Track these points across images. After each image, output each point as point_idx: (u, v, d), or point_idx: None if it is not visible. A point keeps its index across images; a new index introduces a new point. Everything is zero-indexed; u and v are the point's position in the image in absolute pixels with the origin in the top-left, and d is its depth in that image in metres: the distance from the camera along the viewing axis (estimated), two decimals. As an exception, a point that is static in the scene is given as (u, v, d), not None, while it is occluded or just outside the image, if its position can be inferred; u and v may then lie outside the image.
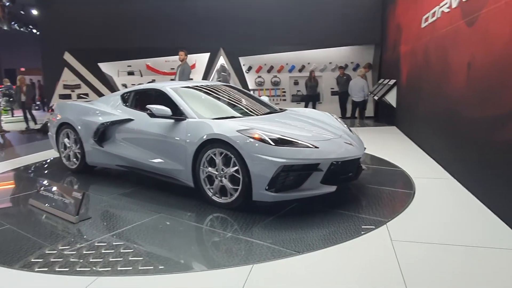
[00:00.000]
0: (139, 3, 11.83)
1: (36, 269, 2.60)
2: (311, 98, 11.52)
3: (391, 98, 8.81)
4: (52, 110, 5.57)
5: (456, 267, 2.48)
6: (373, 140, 7.00)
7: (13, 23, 17.95)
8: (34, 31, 19.64)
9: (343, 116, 11.08)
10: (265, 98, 5.19)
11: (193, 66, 11.51)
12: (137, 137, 4.47)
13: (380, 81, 10.53)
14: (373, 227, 3.13)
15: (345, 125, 4.44)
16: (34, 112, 11.99)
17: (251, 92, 5.78)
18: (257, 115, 4.41)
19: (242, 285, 2.32)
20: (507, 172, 3.17)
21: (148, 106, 4.17)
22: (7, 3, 14.87)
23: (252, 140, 3.37)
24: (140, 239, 3.09)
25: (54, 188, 3.81)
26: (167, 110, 4.04)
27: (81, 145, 5.00)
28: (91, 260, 2.70)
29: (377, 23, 11.18)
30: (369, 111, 11.37)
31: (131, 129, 4.54)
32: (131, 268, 2.58)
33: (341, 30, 11.32)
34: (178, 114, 4.10)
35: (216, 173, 3.61)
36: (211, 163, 3.66)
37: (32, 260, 2.74)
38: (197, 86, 4.87)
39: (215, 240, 3.08)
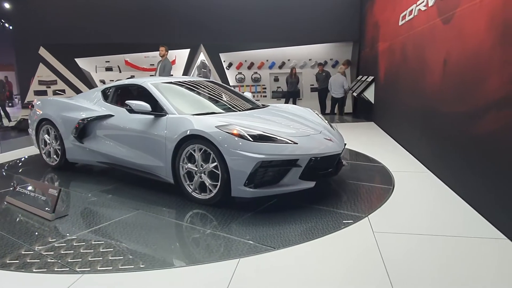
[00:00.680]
0: (117, -2, 11.63)
1: (12, 268, 2.57)
2: (291, 94, 11.62)
3: (369, 95, 8.99)
4: (32, 106, 5.44)
5: (436, 256, 2.58)
6: (352, 135, 7.13)
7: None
8: (7, 25, 19.00)
9: (323, 112, 11.22)
10: (248, 94, 5.21)
11: (173, 62, 11.42)
12: (117, 133, 4.42)
13: (358, 78, 10.72)
14: (352, 221, 3.20)
15: (326, 121, 4.49)
16: (7, 109, 11.63)
17: (234, 88, 5.77)
18: (238, 111, 4.41)
19: (230, 278, 2.36)
20: (481, 165, 3.31)
21: (128, 101, 4.14)
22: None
23: (230, 136, 3.38)
24: (118, 235, 3.06)
25: (31, 185, 3.74)
26: (146, 106, 4.02)
27: (61, 142, 4.92)
28: (68, 260, 2.66)
29: (355, 21, 11.36)
30: (348, 107, 11.57)
31: (112, 125, 4.49)
32: (110, 267, 2.56)
33: (320, 27, 11.45)
34: (158, 110, 4.08)
35: (196, 169, 3.61)
36: (191, 159, 3.66)
37: (7, 260, 2.69)
38: (179, 82, 4.84)
39: (195, 236, 3.07)
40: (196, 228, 3.19)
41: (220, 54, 12.10)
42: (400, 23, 6.35)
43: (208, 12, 11.47)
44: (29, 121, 5.54)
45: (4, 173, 5.30)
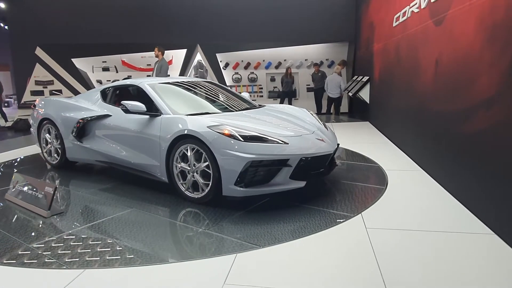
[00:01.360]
0: (114, -2, 11.67)
1: (4, 261, 2.67)
2: (287, 94, 11.71)
3: (365, 94, 9.10)
4: (34, 106, 5.56)
5: (426, 251, 2.68)
6: (347, 135, 7.24)
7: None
8: (2, 25, 18.96)
9: (319, 112, 11.33)
10: (245, 95, 5.29)
11: (170, 62, 11.49)
12: (114, 133, 4.50)
13: (354, 78, 10.83)
14: (345, 219, 3.28)
15: (321, 122, 4.55)
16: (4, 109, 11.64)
17: (231, 88, 5.84)
18: (233, 111, 4.48)
19: (227, 274, 2.44)
20: (470, 163, 3.41)
21: (123, 102, 4.21)
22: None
23: (221, 135, 3.44)
24: (112, 232, 3.15)
25: (28, 183, 3.83)
26: (141, 106, 4.09)
27: (62, 141, 5.02)
28: (58, 251, 2.79)
29: (351, 21, 11.47)
30: (344, 107, 11.68)
31: (109, 125, 4.57)
32: (99, 260, 2.64)
33: (316, 27, 11.55)
34: (154, 110, 4.15)
35: (189, 168, 3.67)
36: (184, 158, 3.73)
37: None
38: (176, 82, 4.92)
39: (188, 234, 3.13)
40: (189, 227, 3.25)
41: (216, 54, 12.17)
42: (394, 24, 6.45)
43: (205, 12, 11.55)
44: (31, 120, 5.65)
45: (1, 172, 5.37)
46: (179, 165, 3.75)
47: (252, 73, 12.44)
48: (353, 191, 4.02)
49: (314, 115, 4.74)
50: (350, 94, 10.05)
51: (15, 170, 5.41)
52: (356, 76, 10.62)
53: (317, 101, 11.49)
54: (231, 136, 3.43)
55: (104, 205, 3.85)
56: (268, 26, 11.54)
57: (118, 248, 2.82)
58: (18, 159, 6.09)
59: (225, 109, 4.52)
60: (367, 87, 9.01)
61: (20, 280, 2.45)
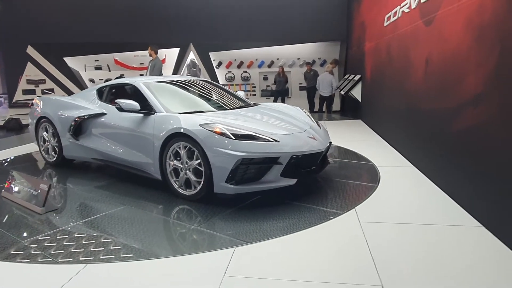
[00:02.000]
0: (107, -3, 11.63)
1: None
2: (280, 93, 11.79)
3: (357, 93, 9.22)
4: (32, 105, 5.63)
5: (418, 243, 2.78)
6: (340, 133, 7.35)
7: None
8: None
9: (311, 111, 11.44)
10: (241, 93, 5.36)
11: (163, 61, 11.49)
12: (110, 131, 4.56)
13: (346, 77, 10.95)
14: (338, 215, 3.38)
15: (314, 120, 4.61)
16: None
17: (226, 87, 5.91)
18: (227, 109, 4.54)
19: (226, 266, 2.52)
20: (459, 159, 3.53)
21: (117, 100, 4.28)
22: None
23: (213, 133, 3.49)
24: (106, 228, 3.21)
25: (24, 181, 3.89)
26: (135, 105, 4.14)
27: (59, 139, 5.08)
28: (51, 248, 2.84)
29: (343, 20, 11.59)
30: (336, 105, 11.80)
31: (104, 123, 4.62)
32: (93, 256, 2.70)
33: (309, 27, 11.64)
34: (148, 109, 4.20)
35: (181, 166, 3.73)
36: (177, 156, 3.78)
37: None
38: (171, 81, 4.97)
39: (181, 231, 3.18)
40: (181, 224, 3.30)
41: (209, 53, 12.20)
42: (386, 23, 6.57)
43: (198, 11, 11.57)
44: (29, 118, 5.71)
45: (3, 169, 5.40)
46: (172, 163, 3.80)
47: (245, 72, 12.50)
48: (345, 188, 4.10)
49: (307, 113, 4.81)
50: (342, 92, 10.18)
51: (11, 168, 5.42)
52: (348, 75, 10.74)
53: (309, 99, 11.60)
54: (222, 134, 3.48)
55: (98, 202, 3.90)
56: (261, 25, 11.61)
57: (112, 244, 2.88)
58: (9, 159, 6.09)
59: (219, 107, 4.58)
60: (359, 85, 9.13)
61: (12, 276, 2.50)
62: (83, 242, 2.92)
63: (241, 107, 4.74)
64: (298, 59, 12.41)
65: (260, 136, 3.57)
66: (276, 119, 4.27)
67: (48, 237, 3.04)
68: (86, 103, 4.99)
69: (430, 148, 4.31)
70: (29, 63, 12.01)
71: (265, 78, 12.60)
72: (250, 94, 12.42)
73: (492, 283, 2.26)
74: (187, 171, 3.70)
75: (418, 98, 4.81)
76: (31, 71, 12.08)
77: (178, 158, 3.77)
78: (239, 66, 12.50)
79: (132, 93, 4.86)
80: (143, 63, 12.27)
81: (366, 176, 4.53)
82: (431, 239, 2.84)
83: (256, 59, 12.48)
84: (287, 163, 3.57)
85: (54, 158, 5.27)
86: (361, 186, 4.14)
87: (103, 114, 4.67)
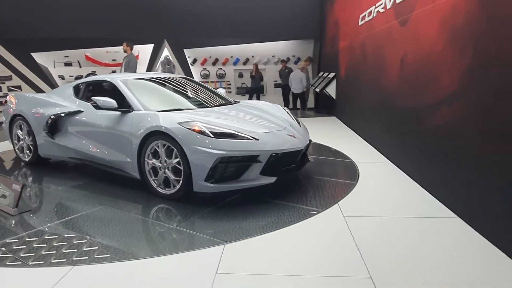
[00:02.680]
0: (76, -10, 11.27)
1: None
2: (255, 90, 11.85)
3: (331, 90, 9.42)
4: (6, 102, 5.45)
5: (401, 235, 2.92)
6: (316, 130, 7.48)
7: None
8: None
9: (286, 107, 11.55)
10: (221, 91, 5.36)
11: (137, 57, 11.25)
12: (86, 130, 4.47)
13: (320, 74, 11.15)
14: (321, 210, 3.48)
15: (294, 118, 4.64)
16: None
17: (207, 85, 5.88)
18: (207, 107, 4.52)
19: (217, 263, 2.56)
20: (433, 154, 3.71)
21: (94, 98, 4.20)
22: None
23: (191, 132, 3.46)
24: (83, 228, 3.16)
25: None
26: (112, 102, 4.08)
27: (34, 137, 4.94)
28: (21, 254, 2.74)
29: (316, 19, 11.77)
30: (310, 102, 12.00)
31: (81, 121, 4.53)
32: (66, 258, 2.67)
33: (283, 25, 11.74)
34: (125, 106, 4.14)
35: (160, 164, 3.70)
36: (156, 155, 3.75)
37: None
38: (150, 78, 4.92)
39: (160, 231, 3.14)
40: (160, 223, 3.26)
41: (184, 50, 12.09)
42: (360, 23, 6.74)
43: (173, 7, 11.41)
44: (3, 116, 5.50)
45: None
46: (151, 162, 3.76)
47: (220, 69, 12.48)
48: (325, 185, 4.17)
49: (287, 111, 4.84)
50: (317, 90, 10.35)
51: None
52: (322, 73, 10.94)
53: (284, 97, 11.72)
54: (201, 132, 3.46)
55: (74, 202, 3.83)
56: (236, 23, 11.61)
57: (88, 245, 2.83)
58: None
59: (199, 105, 4.55)
60: (333, 83, 9.33)
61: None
62: (55, 244, 2.85)
63: (221, 104, 4.72)
64: (273, 56, 12.51)
65: (240, 134, 3.57)
66: (256, 117, 4.27)
67: (17, 240, 2.95)
68: (62, 100, 4.86)
69: (406, 144, 4.49)
70: (-7, 59, 11.48)
71: (241, 76, 12.63)
72: (226, 92, 12.39)
73: (471, 267, 2.41)
74: (166, 170, 3.66)
75: (393, 95, 4.98)
76: (-4, 68, 11.55)
77: (157, 157, 3.73)
78: (214, 63, 12.46)
79: (110, 90, 4.76)
80: (115, 60, 12.00)
81: (345, 172, 4.66)
82: (412, 231, 2.98)
83: (231, 57, 12.48)
84: (266, 161, 3.58)
85: (30, 157, 5.13)
86: (341, 182, 4.27)
87: (80, 112, 4.56)
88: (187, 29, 11.58)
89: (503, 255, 2.53)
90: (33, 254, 2.71)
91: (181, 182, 3.57)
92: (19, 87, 11.66)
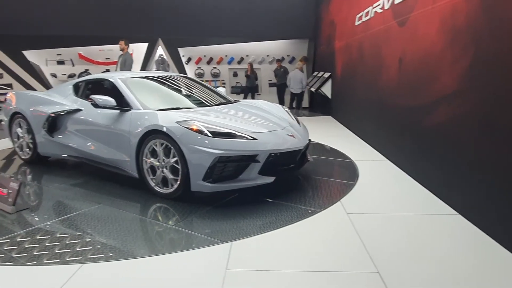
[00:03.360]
0: (69, -12, 11.16)
1: None
2: (250, 89, 11.88)
3: (327, 90, 9.48)
4: (5, 100, 5.40)
5: (404, 232, 2.96)
6: (312, 129, 7.46)
7: None
8: None
9: (281, 107, 11.58)
10: (221, 90, 5.35)
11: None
12: (85, 128, 4.45)
13: (314, 74, 11.21)
14: (322, 209, 3.52)
15: (294, 117, 4.61)
16: None
17: (207, 83, 5.87)
18: (206, 106, 4.50)
19: (227, 260, 2.58)
20: (432, 152, 3.78)
21: (92, 96, 4.17)
22: None
23: (189, 131, 3.44)
24: (82, 227, 3.14)
25: None
26: (110, 101, 4.05)
27: (33, 135, 4.91)
28: (13, 254, 2.70)
29: (311, 19, 11.84)
30: (304, 101, 12.06)
31: (80, 120, 4.50)
32: (59, 257, 2.68)
33: (277, 24, 11.79)
34: (124, 105, 4.12)
35: (158, 163, 3.67)
36: (154, 154, 3.72)
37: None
38: (150, 76, 4.90)
39: (158, 230, 3.11)
40: (158, 223, 3.24)
41: (178, 48, 12.07)
42: (357, 23, 6.81)
43: (167, 6, 11.37)
44: (3, 114, 5.47)
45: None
46: (149, 161, 3.74)
47: (215, 68, 12.48)
48: (326, 183, 4.19)
49: (287, 110, 4.82)
50: (313, 89, 10.41)
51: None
52: (317, 72, 11.00)
53: (279, 96, 11.76)
54: (199, 131, 3.44)
55: (72, 200, 3.81)
56: (230, 22, 11.62)
57: (85, 244, 2.81)
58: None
59: (198, 104, 4.53)
60: (329, 83, 9.39)
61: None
62: (47, 244, 2.81)
63: (221, 103, 4.71)
64: (268, 56, 12.55)
65: (238, 133, 3.55)
66: (255, 116, 4.25)
67: (10, 239, 2.91)
68: (62, 98, 4.83)
69: (404, 142, 4.55)
70: (-16, 56, 11.32)
71: (235, 75, 12.64)
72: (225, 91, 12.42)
73: (474, 262, 2.47)
74: (164, 169, 3.65)
75: (391, 94, 5.05)
76: (-14, 66, 11.39)
77: (155, 156, 3.71)
78: (208, 62, 12.45)
79: (110, 89, 4.74)
80: (109, 58, 11.93)
81: (345, 171, 4.70)
82: (415, 227, 3.03)
83: (226, 56, 12.50)
84: (265, 161, 3.55)
85: (29, 155, 5.09)
86: (341, 181, 4.31)
87: (79, 110, 4.54)
88: (181, 27, 11.55)
89: (504, 250, 2.60)
90: (26, 254, 2.67)
91: (179, 181, 3.54)
92: (10, 85, 11.52)
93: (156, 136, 3.64)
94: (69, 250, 2.73)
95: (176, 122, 3.53)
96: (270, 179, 3.64)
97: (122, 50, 7.94)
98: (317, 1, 11.46)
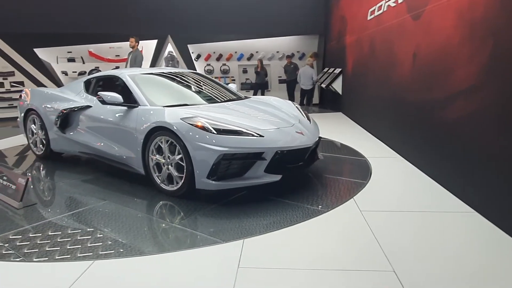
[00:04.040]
0: (79, -14, 11.20)
1: None
2: (260, 86, 11.81)
3: (337, 86, 9.37)
4: (20, 96, 5.49)
5: (420, 230, 2.91)
6: (322, 125, 7.39)
7: None
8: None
9: (291, 104, 11.51)
10: (232, 86, 5.29)
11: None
12: (94, 125, 4.46)
13: (325, 70, 11.10)
14: (337, 205, 3.46)
15: (304, 114, 4.51)
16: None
17: (217, 79, 5.82)
18: (215, 102, 4.45)
19: (239, 257, 2.54)
20: (448, 148, 3.69)
21: (100, 93, 4.18)
22: None
23: (194, 128, 3.39)
24: (89, 223, 3.15)
25: (3, 174, 3.77)
26: (118, 97, 4.04)
27: (46, 132, 4.97)
28: (22, 244, 2.74)
29: (321, 15, 11.71)
30: (314, 98, 11.95)
31: (90, 116, 4.52)
32: (69, 255, 2.66)
33: (287, 20, 11.69)
34: (131, 102, 4.10)
35: (163, 160, 3.65)
36: (160, 151, 3.69)
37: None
38: (159, 73, 4.87)
39: (163, 228, 3.10)
40: (163, 220, 3.22)
41: (188, 45, 12.04)
42: (369, 17, 6.70)
43: (176, 3, 11.35)
44: (18, 110, 5.57)
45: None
46: (155, 157, 3.71)
47: (225, 64, 12.44)
48: (339, 181, 4.12)
49: (298, 107, 4.72)
50: (323, 85, 10.31)
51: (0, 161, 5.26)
52: (327, 68, 10.89)
53: (289, 93, 11.67)
54: (203, 128, 3.38)
55: (81, 196, 3.83)
56: (240, 18, 11.54)
57: (95, 240, 2.82)
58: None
59: (206, 100, 4.48)
60: (340, 79, 9.28)
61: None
62: (58, 240, 2.82)
63: (230, 100, 4.64)
64: (277, 52, 12.47)
65: (244, 130, 3.47)
66: (263, 113, 4.15)
67: (21, 235, 2.92)
68: (73, 95, 4.86)
69: (418, 139, 4.46)
70: (-4, 54, 11.43)
71: (245, 71, 12.59)
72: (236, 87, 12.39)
73: (492, 261, 2.40)
74: (169, 166, 3.61)
75: (405, 90, 4.95)
76: (-2, 63, 11.50)
77: (161, 153, 3.68)
78: (218, 59, 12.41)
79: (119, 85, 4.73)
80: (119, 55, 11.96)
81: (358, 168, 4.63)
82: (431, 225, 2.96)
83: (235, 52, 12.44)
84: (271, 159, 3.47)
85: (42, 151, 5.18)
86: (355, 177, 4.23)
87: (89, 107, 4.54)
88: (190, 24, 11.51)
89: (526, 250, 2.52)
90: (37, 250, 2.68)
91: (183, 178, 3.50)
92: (21, 83, 11.62)
93: (161, 133, 3.62)
94: (79, 246, 2.72)
95: (181, 119, 3.49)
96: (277, 178, 3.55)
97: (132, 47, 7.93)
98: (327, -3, 11.34)
